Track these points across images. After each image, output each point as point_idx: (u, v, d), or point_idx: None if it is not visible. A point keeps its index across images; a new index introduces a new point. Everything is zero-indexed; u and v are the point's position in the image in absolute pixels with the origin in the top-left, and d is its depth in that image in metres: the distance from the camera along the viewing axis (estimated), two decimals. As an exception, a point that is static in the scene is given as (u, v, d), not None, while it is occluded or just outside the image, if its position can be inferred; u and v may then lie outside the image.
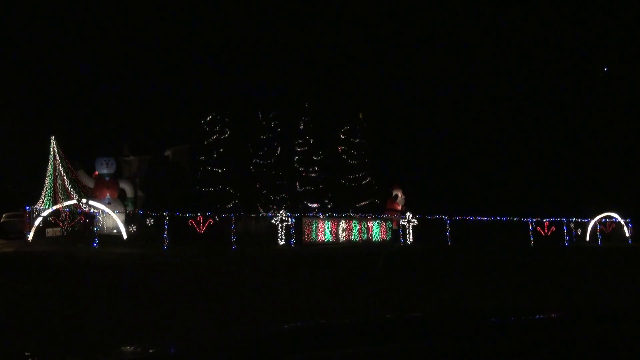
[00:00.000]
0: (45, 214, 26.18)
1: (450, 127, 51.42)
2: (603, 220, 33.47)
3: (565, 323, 2.37)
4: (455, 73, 68.99)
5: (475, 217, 30.37)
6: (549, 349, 1.90)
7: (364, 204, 33.43)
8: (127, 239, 26.11)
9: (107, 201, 31.05)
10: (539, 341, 1.98)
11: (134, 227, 31.76)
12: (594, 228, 33.00)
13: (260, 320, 7.95)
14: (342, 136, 35.04)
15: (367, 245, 27.09)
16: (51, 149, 31.43)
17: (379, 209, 33.20)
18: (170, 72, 78.74)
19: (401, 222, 29.34)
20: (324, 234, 27.35)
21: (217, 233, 25.98)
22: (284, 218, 26.57)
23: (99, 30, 76.83)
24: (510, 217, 30.96)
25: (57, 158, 31.35)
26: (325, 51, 74.08)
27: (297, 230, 26.59)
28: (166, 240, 23.20)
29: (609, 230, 33.85)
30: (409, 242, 28.52)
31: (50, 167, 31.53)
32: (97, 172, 34.20)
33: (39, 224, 25.54)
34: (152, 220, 31.62)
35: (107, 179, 33.59)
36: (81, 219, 29.01)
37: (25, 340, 6.67)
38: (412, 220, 28.96)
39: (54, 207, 26.80)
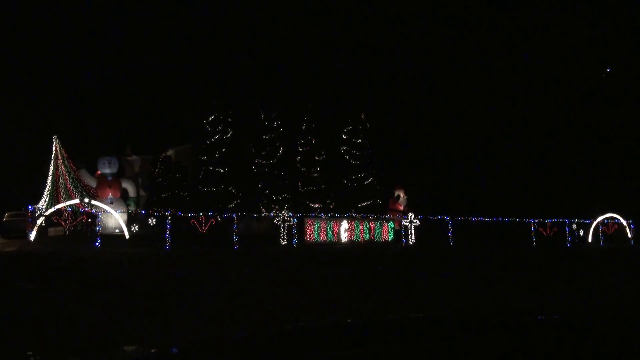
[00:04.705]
0: (47, 213, 26.21)
1: (453, 127, 51.39)
2: (605, 221, 33.40)
3: (565, 323, 2.37)
4: (457, 73, 68.93)
5: (477, 218, 30.34)
6: (549, 349, 1.91)
7: (366, 204, 33.41)
8: (129, 238, 26.11)
9: (109, 201, 31.09)
10: (539, 341, 1.99)
11: (137, 226, 31.81)
12: (596, 229, 32.93)
13: (261, 320, 7.95)
14: (344, 136, 35.03)
15: (369, 245, 27.08)
16: (53, 149, 31.49)
17: (381, 209, 33.18)
18: (172, 72, 78.86)
19: (403, 222, 29.29)
20: (326, 234, 27.34)
21: (219, 233, 25.98)
22: (286, 218, 26.57)
23: (102, 29, 76.90)
24: (512, 218, 30.91)
25: (60, 157, 31.40)
26: (328, 51, 74.11)
27: (299, 231, 26.57)
28: (168, 240, 23.21)
29: (611, 231, 33.77)
30: (411, 243, 28.48)
31: (52, 167, 31.59)
32: (99, 172, 34.25)
33: (41, 223, 25.57)
34: (155, 220, 31.67)
35: (110, 178, 33.64)
36: (83, 218, 29.03)
37: (26, 339, 6.68)
38: (414, 221, 28.91)
39: (57, 207, 26.82)
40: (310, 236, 26.79)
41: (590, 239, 32.57)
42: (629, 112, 48.06)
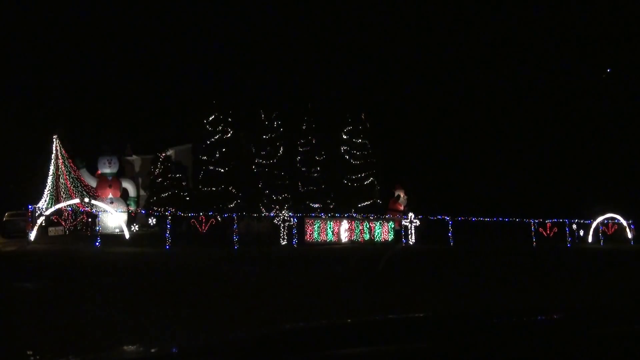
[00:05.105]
0: (47, 213, 26.23)
1: (453, 127, 51.37)
2: (605, 221, 33.40)
3: (565, 323, 2.37)
4: (457, 73, 68.88)
5: (477, 218, 30.33)
6: (549, 349, 1.91)
7: (366, 204, 33.41)
8: (129, 238, 26.14)
9: (109, 200, 31.12)
10: (539, 341, 1.99)
11: (137, 226, 31.83)
12: (597, 229, 32.94)
13: (261, 320, 7.96)
14: (344, 136, 35.02)
15: (369, 245, 27.08)
16: (54, 148, 31.54)
17: (381, 209, 33.18)
18: (173, 72, 78.86)
19: (403, 222, 29.30)
20: (326, 234, 27.35)
21: (219, 233, 25.99)
22: (286, 218, 26.57)
23: (102, 29, 76.93)
24: (512, 218, 30.91)
25: (60, 157, 31.46)
26: (328, 51, 74.07)
27: (299, 230, 26.57)
28: (168, 239, 23.23)
29: (611, 231, 33.77)
30: (411, 243, 28.49)
31: (52, 166, 31.64)
32: (99, 172, 34.28)
33: (42, 223, 25.59)
34: (155, 219, 31.68)
35: (110, 178, 33.68)
36: (83, 218, 29.06)
37: (26, 339, 6.68)
38: (415, 221, 28.93)
39: (57, 206, 26.85)
40: (310, 236, 26.79)
41: (590, 239, 32.57)
42: (629, 112, 48.07)
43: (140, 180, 39.00)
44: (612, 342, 1.97)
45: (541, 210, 32.60)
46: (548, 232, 31.02)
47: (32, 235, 24.35)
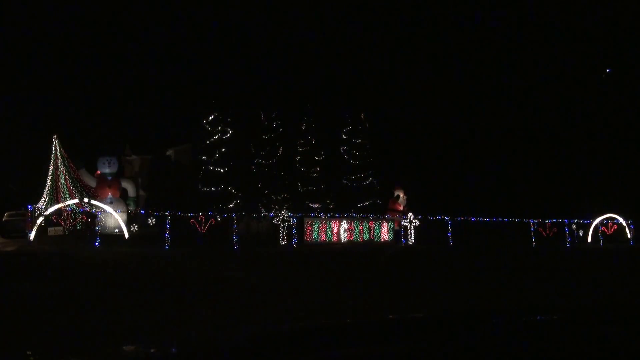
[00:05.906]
0: (47, 213, 26.20)
1: (453, 127, 51.39)
2: (605, 221, 33.39)
3: (565, 323, 2.37)
4: (456, 73, 68.92)
5: (477, 218, 30.33)
6: (549, 349, 1.91)
7: (366, 204, 33.41)
8: (128, 238, 26.11)
9: (109, 200, 31.08)
10: (539, 341, 1.99)
11: (136, 226, 31.81)
12: (596, 229, 32.93)
13: (261, 320, 7.95)
14: (344, 136, 35.04)
15: (368, 245, 27.07)
16: (53, 148, 31.50)
17: (380, 209, 33.19)
18: (172, 72, 78.84)
19: (403, 222, 29.30)
20: (326, 234, 27.33)
21: (218, 233, 25.95)
22: (285, 218, 26.55)
23: (101, 29, 76.91)
24: (511, 218, 30.91)
25: (59, 157, 31.42)
26: (328, 51, 74.04)
27: (299, 230, 26.55)
28: (167, 240, 23.20)
29: (611, 231, 33.77)
30: (411, 243, 28.48)
31: (52, 166, 31.60)
32: (99, 172, 34.24)
33: (41, 223, 25.55)
34: (154, 219, 31.66)
35: (109, 178, 33.64)
36: (83, 218, 29.02)
37: (25, 339, 6.68)
38: (414, 221, 28.93)
39: (56, 206, 26.81)
40: (309, 236, 26.77)
41: (589, 239, 32.56)
42: (628, 112, 48.10)
43: (140, 180, 38.97)
44: (612, 342, 1.97)
45: (541, 210, 32.61)
46: (547, 232, 31.02)
47: (32, 236, 24.31)
